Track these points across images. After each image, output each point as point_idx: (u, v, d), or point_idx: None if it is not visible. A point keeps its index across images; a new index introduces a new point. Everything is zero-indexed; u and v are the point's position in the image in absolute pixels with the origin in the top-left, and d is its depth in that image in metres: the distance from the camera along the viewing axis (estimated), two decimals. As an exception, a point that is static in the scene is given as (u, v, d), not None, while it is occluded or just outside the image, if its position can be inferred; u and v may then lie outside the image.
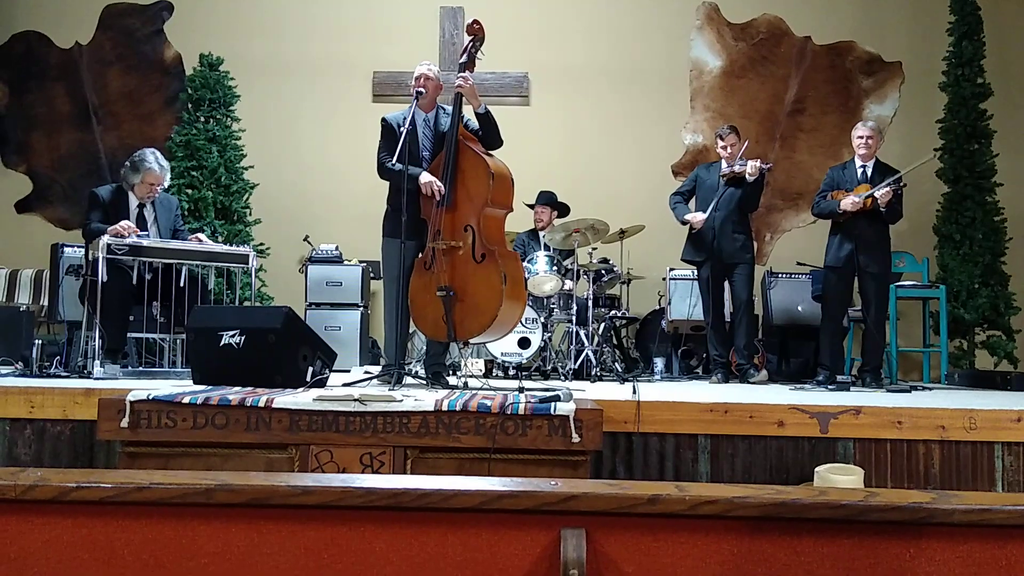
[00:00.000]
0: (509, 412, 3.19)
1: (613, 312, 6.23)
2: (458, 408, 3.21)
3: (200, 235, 5.19)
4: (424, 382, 4.53)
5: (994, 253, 6.93)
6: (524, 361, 5.94)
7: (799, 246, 7.09)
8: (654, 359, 6.19)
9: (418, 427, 3.21)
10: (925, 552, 1.45)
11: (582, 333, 5.78)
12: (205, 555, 1.47)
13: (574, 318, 5.84)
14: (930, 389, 5.42)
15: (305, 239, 6.64)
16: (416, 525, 1.47)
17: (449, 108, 4.50)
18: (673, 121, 7.62)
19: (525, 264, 5.53)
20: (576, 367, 5.67)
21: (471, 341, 4.55)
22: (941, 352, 6.51)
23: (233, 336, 3.80)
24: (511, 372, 5.94)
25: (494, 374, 5.91)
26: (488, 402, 3.24)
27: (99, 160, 7.67)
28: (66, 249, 5.67)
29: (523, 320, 5.41)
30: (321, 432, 3.22)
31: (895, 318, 6.35)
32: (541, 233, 6.34)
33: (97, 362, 4.53)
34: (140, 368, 5.10)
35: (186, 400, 3.24)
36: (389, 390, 3.75)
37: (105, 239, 4.60)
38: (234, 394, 3.33)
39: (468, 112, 4.52)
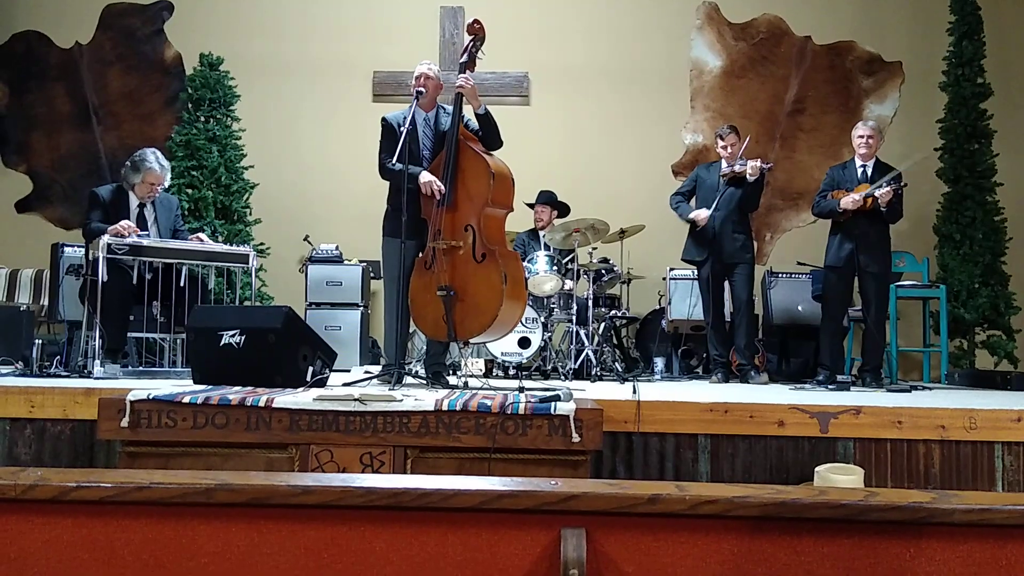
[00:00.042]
0: (509, 412, 3.18)
1: (613, 312, 6.23)
2: (458, 408, 3.21)
3: (200, 235, 5.19)
4: (424, 382, 4.53)
5: (994, 253, 6.94)
6: (524, 361, 5.94)
7: (799, 246, 7.09)
8: (654, 359, 6.19)
9: (418, 427, 3.21)
10: (925, 552, 1.45)
11: (582, 333, 5.78)
12: (205, 555, 1.47)
13: (574, 318, 5.84)
14: (930, 389, 5.42)
15: (305, 239, 6.64)
16: (416, 525, 1.47)
17: (449, 108, 4.50)
18: (673, 121, 7.62)
19: (525, 264, 5.53)
20: (576, 367, 5.67)
21: (471, 341, 4.55)
22: (941, 352, 6.51)
23: (233, 336, 3.80)
24: (511, 372, 5.94)
25: (494, 374, 5.91)
26: (488, 402, 3.24)
27: (99, 160, 7.67)
28: (66, 249, 5.67)
29: (523, 320, 5.41)
30: (321, 432, 3.22)
31: (895, 318, 6.35)
32: (541, 233, 6.34)
33: (97, 362, 4.53)
34: (140, 368, 5.10)
35: (186, 400, 3.24)
36: (389, 390, 3.75)
37: (105, 239, 4.60)
38: (234, 394, 3.33)
39: (468, 112, 4.52)
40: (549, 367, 5.99)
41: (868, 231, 5.23)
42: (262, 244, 6.95)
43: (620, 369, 6.00)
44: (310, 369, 3.87)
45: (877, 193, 5.09)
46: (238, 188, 7.03)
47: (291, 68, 7.67)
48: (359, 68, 7.64)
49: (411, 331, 5.08)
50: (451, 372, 4.95)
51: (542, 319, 5.94)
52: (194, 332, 4.03)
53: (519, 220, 6.04)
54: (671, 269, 6.46)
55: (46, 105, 7.69)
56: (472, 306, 4.24)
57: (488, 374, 5.76)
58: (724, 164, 5.60)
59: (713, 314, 5.57)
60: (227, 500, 1.46)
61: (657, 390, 4.47)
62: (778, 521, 1.45)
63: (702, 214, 5.52)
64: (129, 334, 4.93)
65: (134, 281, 4.77)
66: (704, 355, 6.15)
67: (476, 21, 4.51)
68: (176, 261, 4.83)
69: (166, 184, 5.16)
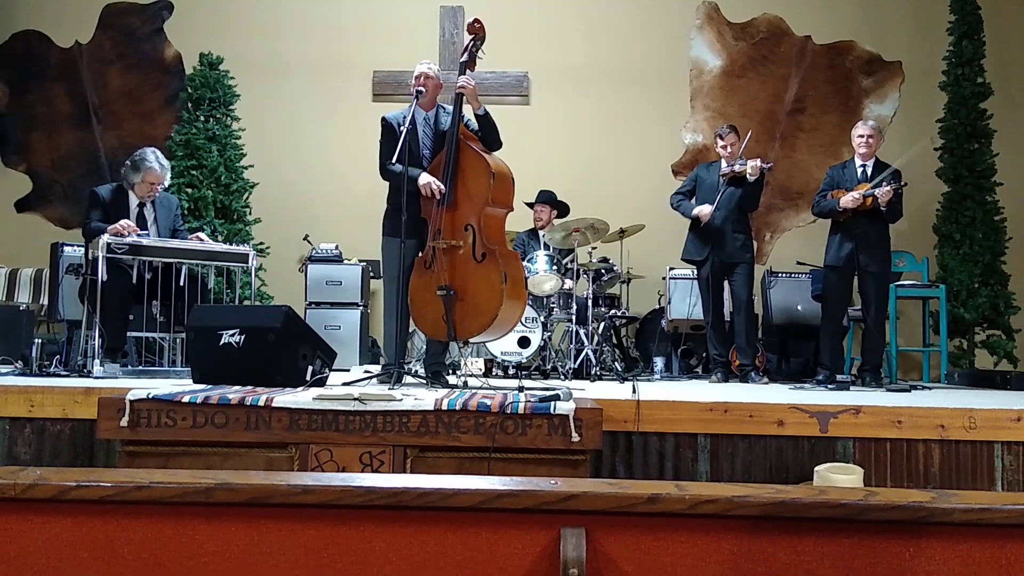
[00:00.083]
0: (509, 411, 3.19)
1: (613, 311, 6.23)
2: (458, 407, 3.21)
3: (200, 234, 5.19)
4: (424, 381, 4.53)
5: (994, 253, 6.94)
6: (524, 360, 5.94)
7: (799, 246, 7.09)
8: (654, 358, 6.19)
9: (418, 426, 3.21)
10: (925, 551, 1.45)
11: (582, 332, 5.78)
12: (205, 554, 1.47)
13: (574, 317, 5.84)
14: (930, 388, 5.42)
15: (305, 238, 6.64)
16: (416, 524, 1.47)
17: (449, 107, 4.50)
18: (673, 121, 7.62)
19: (525, 263, 5.52)
20: (576, 366, 5.67)
21: (471, 340, 4.55)
22: (941, 352, 6.51)
23: (233, 335, 3.80)
24: (511, 371, 5.94)
25: (494, 373, 5.90)
26: (488, 401, 3.24)
27: (99, 159, 7.67)
28: (66, 248, 5.67)
29: (523, 319, 5.40)
30: (321, 431, 3.22)
31: (895, 317, 6.35)
32: (541, 232, 6.34)
33: (97, 361, 4.53)
34: (140, 367, 5.10)
35: (186, 399, 3.24)
36: (389, 389, 3.75)
37: (105, 238, 4.60)
38: (234, 393, 3.33)
39: (468, 112, 4.52)
40: (549, 367, 5.99)
41: (868, 231, 5.23)
42: (262, 244, 6.95)
43: (620, 369, 6.00)
44: (310, 368, 3.87)
45: (877, 192, 5.09)
46: (238, 188, 7.03)
47: (291, 68, 7.67)
48: (359, 68, 7.64)
49: (411, 331, 5.07)
50: (451, 372, 4.94)
51: (542, 319, 5.94)
52: (194, 331, 4.03)
53: (519, 220, 6.03)
54: (671, 269, 6.46)
55: (46, 105, 7.69)
56: (472, 306, 4.24)
57: (488, 374, 5.76)
58: (724, 164, 5.60)
59: (713, 314, 5.57)
60: (227, 499, 1.46)
61: (657, 390, 4.47)
62: (778, 521, 1.45)
63: (705, 209, 5.50)
64: (129, 333, 4.93)
65: (134, 280, 4.76)
66: (704, 355, 6.16)
67: (476, 20, 4.51)
68: (176, 260, 4.83)
69: (166, 183, 5.16)
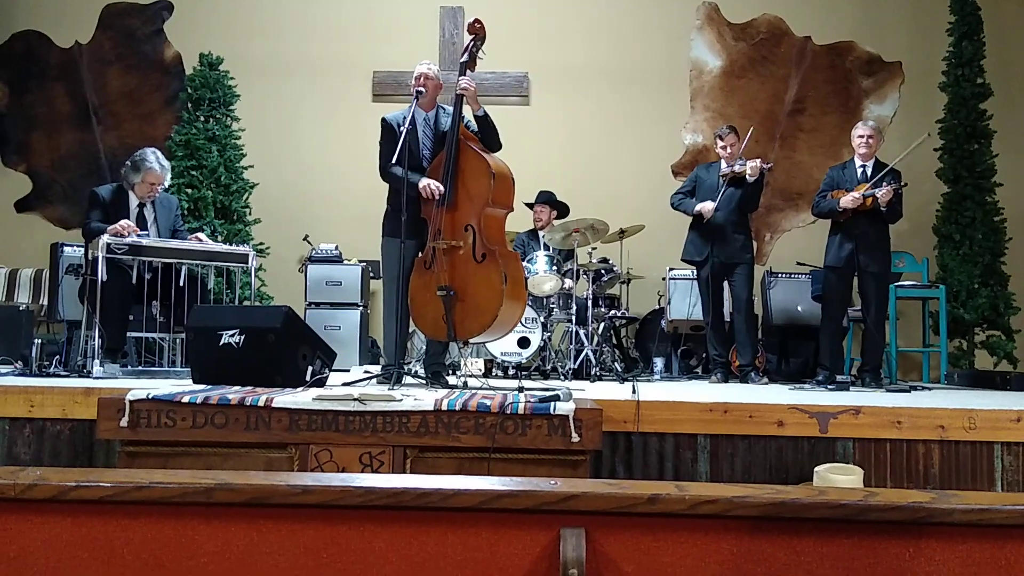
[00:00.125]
0: (509, 412, 3.18)
1: (613, 312, 6.23)
2: (458, 408, 3.21)
3: (200, 235, 5.19)
4: (424, 382, 4.53)
5: (994, 253, 6.94)
6: (524, 361, 5.94)
7: (799, 246, 7.09)
8: (654, 359, 6.19)
9: (418, 426, 3.21)
10: (925, 552, 1.44)
11: (582, 333, 5.78)
12: (205, 554, 1.47)
13: (574, 318, 5.84)
14: (930, 389, 5.42)
15: (305, 239, 6.64)
16: (416, 524, 1.47)
17: (449, 108, 4.50)
18: (673, 121, 7.62)
19: (525, 264, 5.53)
20: (576, 367, 5.67)
21: (471, 341, 4.55)
22: (941, 352, 6.51)
23: (233, 335, 3.80)
24: (511, 372, 5.94)
25: (494, 374, 5.91)
26: (488, 402, 3.24)
27: (99, 160, 7.67)
28: (66, 248, 5.67)
29: (523, 320, 5.41)
30: (321, 431, 3.22)
31: (895, 318, 6.35)
32: (541, 233, 6.34)
33: (97, 361, 4.53)
34: (140, 367, 5.10)
35: (185, 399, 3.23)
36: (389, 389, 3.75)
37: (105, 238, 4.60)
38: (234, 393, 3.33)
39: (467, 113, 4.52)
40: (549, 367, 5.99)
41: (868, 231, 5.23)
42: (262, 244, 6.95)
43: (620, 369, 6.00)
44: (309, 369, 3.87)
45: (877, 192, 5.09)
46: (238, 188, 7.03)
47: (291, 68, 7.68)
48: (359, 68, 7.64)
49: (411, 331, 5.07)
50: (450, 372, 4.95)
51: (542, 319, 5.94)
52: (193, 332, 4.03)
53: (519, 220, 6.04)
54: (671, 269, 6.46)
55: (46, 105, 7.69)
56: (472, 306, 4.24)
57: (487, 374, 5.76)
58: (724, 164, 5.60)
59: (713, 314, 5.57)
60: (227, 500, 1.46)
61: (656, 390, 4.47)
62: (778, 521, 1.45)
63: (708, 206, 5.48)
64: (129, 334, 4.93)
65: (134, 281, 4.77)
66: (703, 355, 6.16)
67: (477, 20, 4.51)
68: (176, 261, 4.83)
69: (166, 184, 5.16)
